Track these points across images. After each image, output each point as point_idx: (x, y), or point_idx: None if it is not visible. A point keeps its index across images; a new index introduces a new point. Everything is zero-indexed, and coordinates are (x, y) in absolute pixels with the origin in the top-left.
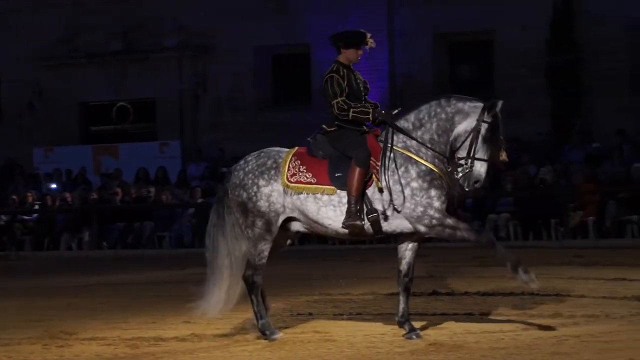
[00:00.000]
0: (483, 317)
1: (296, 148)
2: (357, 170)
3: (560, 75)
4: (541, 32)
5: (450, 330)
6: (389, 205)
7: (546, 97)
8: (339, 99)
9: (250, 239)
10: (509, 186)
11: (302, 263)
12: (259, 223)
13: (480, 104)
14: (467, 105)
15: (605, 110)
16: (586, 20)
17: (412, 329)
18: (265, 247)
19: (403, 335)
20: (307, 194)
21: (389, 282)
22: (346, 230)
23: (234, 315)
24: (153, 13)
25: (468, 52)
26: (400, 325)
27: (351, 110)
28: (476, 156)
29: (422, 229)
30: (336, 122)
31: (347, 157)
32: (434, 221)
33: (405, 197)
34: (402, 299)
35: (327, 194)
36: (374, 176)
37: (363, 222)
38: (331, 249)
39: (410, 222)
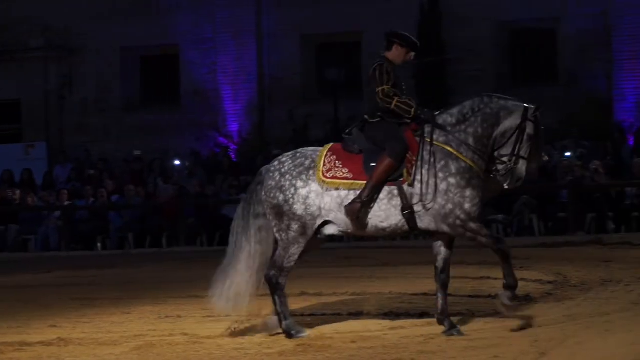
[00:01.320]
0: (351, 317)
1: (331, 144)
2: (388, 161)
3: (427, 76)
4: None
5: (319, 331)
6: (421, 201)
7: (414, 97)
8: (385, 87)
9: (283, 242)
10: None
11: (170, 265)
12: (294, 226)
13: (522, 104)
14: (510, 103)
15: None
16: (453, 22)
17: (452, 326)
18: (297, 251)
19: (443, 333)
20: (345, 190)
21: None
22: (385, 226)
23: (99, 318)
24: (19, 13)
25: (336, 54)
26: (440, 322)
27: (396, 99)
28: (520, 154)
29: (444, 228)
30: (378, 113)
31: (382, 149)
32: (458, 222)
33: (439, 192)
34: (440, 295)
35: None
36: (406, 171)
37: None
38: (199, 251)
39: (435, 219)
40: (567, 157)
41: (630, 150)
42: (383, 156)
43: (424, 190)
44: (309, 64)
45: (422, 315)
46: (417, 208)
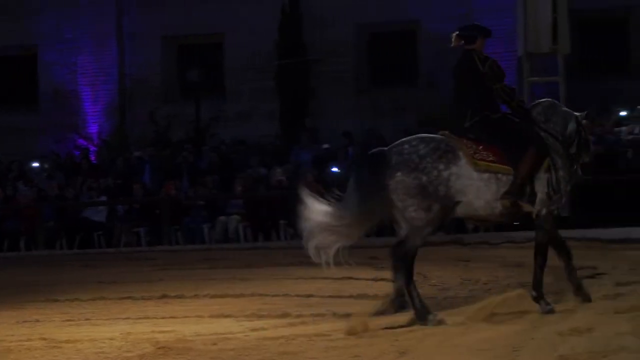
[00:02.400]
0: (213, 319)
1: (444, 132)
2: (536, 155)
3: (289, 77)
4: (270, 35)
5: (180, 333)
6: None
7: (275, 99)
8: (503, 84)
9: (419, 221)
10: (239, 188)
11: (28, 269)
12: (435, 207)
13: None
14: (564, 109)
15: (333, 112)
16: (314, 24)
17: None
18: (429, 232)
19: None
20: (489, 173)
21: (117, 286)
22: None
23: None
24: None
25: (198, 55)
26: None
27: (516, 99)
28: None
29: (543, 212)
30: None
31: (517, 143)
32: (554, 212)
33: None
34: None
35: (506, 175)
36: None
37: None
38: (58, 254)
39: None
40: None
41: None
42: (530, 150)
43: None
44: (170, 65)
45: (284, 316)
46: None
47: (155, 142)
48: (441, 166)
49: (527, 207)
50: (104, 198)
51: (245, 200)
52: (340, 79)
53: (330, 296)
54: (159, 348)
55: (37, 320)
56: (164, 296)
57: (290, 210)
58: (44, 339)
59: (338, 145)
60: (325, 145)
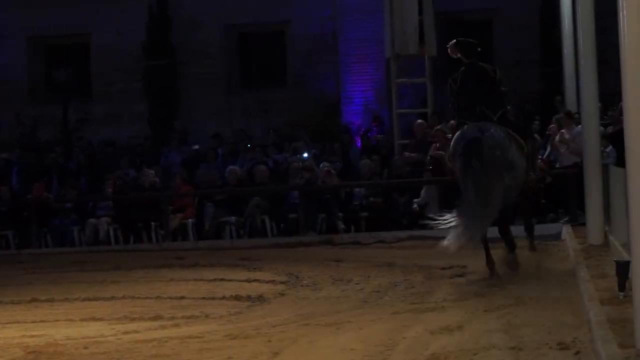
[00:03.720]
0: (84, 322)
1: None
2: (534, 140)
3: (157, 78)
4: (137, 35)
5: (51, 337)
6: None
7: (144, 100)
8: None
9: (516, 189)
10: (109, 190)
11: None
12: (520, 177)
13: None
14: None
15: (202, 114)
16: (182, 25)
17: None
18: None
19: None
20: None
21: None
22: None
23: None
24: None
25: (64, 55)
26: None
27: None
28: None
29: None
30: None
31: (523, 131)
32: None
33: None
34: None
35: (524, 155)
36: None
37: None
38: None
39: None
40: (305, 158)
41: (358, 152)
42: (531, 137)
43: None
44: (36, 66)
45: (156, 318)
46: None
47: (22, 144)
48: (514, 146)
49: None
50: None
51: (115, 202)
52: (209, 80)
53: (203, 298)
54: (29, 352)
55: None
56: (33, 300)
57: (162, 211)
58: None
59: (208, 146)
60: (195, 147)
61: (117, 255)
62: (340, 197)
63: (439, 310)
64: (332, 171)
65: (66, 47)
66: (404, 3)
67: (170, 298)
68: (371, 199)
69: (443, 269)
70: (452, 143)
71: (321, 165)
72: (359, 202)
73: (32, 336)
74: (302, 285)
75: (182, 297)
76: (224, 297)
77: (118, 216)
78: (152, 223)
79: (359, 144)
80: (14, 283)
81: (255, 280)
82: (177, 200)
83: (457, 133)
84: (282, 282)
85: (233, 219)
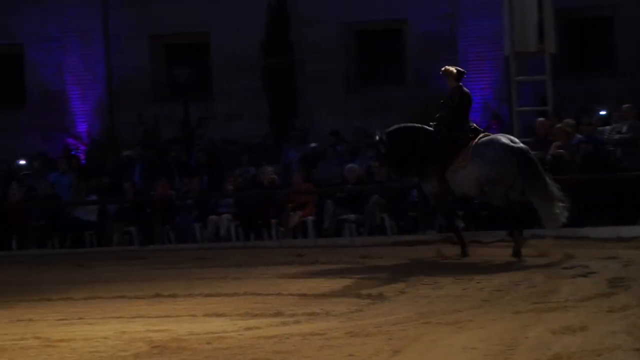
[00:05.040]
0: (206, 318)
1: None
2: None
3: (276, 76)
4: (256, 34)
5: (174, 332)
6: None
7: (263, 98)
8: None
9: None
10: (230, 187)
11: (19, 268)
12: None
13: None
14: None
15: (321, 111)
16: (300, 23)
17: None
18: None
19: None
20: None
21: (110, 286)
22: None
23: None
24: None
25: (185, 54)
26: None
27: None
28: None
29: None
30: None
31: None
32: None
33: None
34: None
35: None
36: None
37: None
38: (50, 253)
39: None
40: None
41: None
42: None
43: None
44: (157, 64)
45: (277, 315)
46: None
47: (144, 142)
48: None
49: None
50: (94, 197)
51: (236, 200)
52: (328, 78)
53: (323, 295)
54: (153, 347)
55: (31, 320)
56: (157, 295)
57: (281, 209)
58: (38, 338)
59: (326, 144)
60: (313, 144)
61: (237, 252)
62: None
63: (561, 310)
64: None
65: (186, 46)
66: (524, 0)
67: (291, 295)
68: None
69: (565, 268)
70: (494, 150)
71: None
72: (479, 200)
73: (156, 331)
74: (422, 284)
75: (303, 294)
76: (344, 295)
77: (239, 213)
78: (272, 220)
79: None
80: (137, 278)
81: (375, 278)
82: (296, 197)
83: (497, 142)
84: (402, 280)
85: (352, 216)
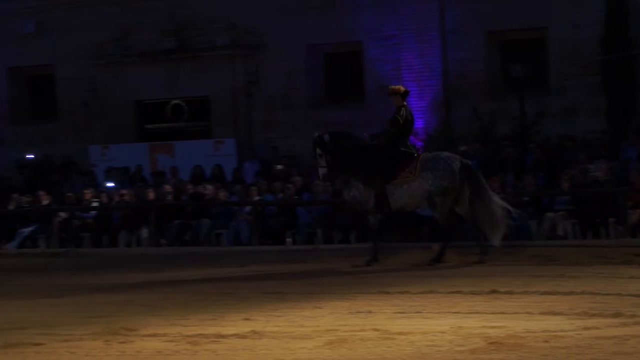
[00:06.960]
0: (543, 316)
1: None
2: None
3: (614, 72)
4: (594, 29)
5: (510, 329)
6: None
7: (601, 94)
8: None
9: None
10: (566, 185)
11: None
12: None
13: None
14: None
15: None
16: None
17: None
18: None
19: None
20: None
21: (445, 280)
22: None
23: (291, 312)
24: (203, 11)
25: (520, 50)
26: None
27: None
28: None
29: None
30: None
31: None
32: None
33: None
34: None
35: None
36: None
37: None
38: (387, 246)
39: None
40: None
41: None
42: None
43: None
44: (493, 60)
45: (616, 315)
46: None
47: (479, 138)
48: None
49: None
50: None
51: (572, 197)
52: None
53: None
54: (490, 343)
55: (369, 312)
56: (493, 291)
57: (620, 207)
58: (377, 330)
59: None
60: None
61: (574, 250)
62: None
63: None
64: None
65: (522, 42)
66: None
67: (631, 295)
68: None
69: None
70: (444, 163)
71: None
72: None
73: (493, 327)
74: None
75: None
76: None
77: (575, 211)
78: (610, 218)
79: None
80: (473, 274)
81: None
82: (636, 195)
83: (445, 156)
84: None
85: None
